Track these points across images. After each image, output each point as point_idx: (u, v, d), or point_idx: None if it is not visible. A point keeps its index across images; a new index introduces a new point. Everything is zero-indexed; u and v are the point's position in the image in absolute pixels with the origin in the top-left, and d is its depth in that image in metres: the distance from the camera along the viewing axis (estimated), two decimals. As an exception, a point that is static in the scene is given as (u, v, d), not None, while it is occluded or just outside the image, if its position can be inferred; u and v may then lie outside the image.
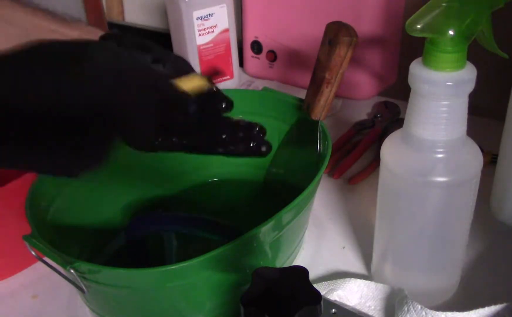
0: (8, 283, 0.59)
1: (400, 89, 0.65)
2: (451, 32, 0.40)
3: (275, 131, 0.64)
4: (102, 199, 0.60)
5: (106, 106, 0.37)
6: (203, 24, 0.86)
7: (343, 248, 0.60)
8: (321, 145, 0.58)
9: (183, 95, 0.44)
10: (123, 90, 0.38)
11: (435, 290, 0.51)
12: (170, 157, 0.61)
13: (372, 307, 0.50)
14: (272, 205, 0.49)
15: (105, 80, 0.37)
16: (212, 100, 0.49)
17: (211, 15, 0.86)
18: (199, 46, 0.87)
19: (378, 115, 0.81)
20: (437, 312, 0.47)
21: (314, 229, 0.62)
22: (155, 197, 0.66)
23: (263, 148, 0.44)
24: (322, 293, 0.46)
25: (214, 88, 0.49)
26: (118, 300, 0.47)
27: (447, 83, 0.41)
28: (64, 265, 0.43)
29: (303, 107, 0.59)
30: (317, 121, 0.57)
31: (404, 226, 0.48)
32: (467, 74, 0.42)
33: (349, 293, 0.50)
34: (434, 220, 0.47)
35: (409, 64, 0.44)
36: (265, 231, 0.45)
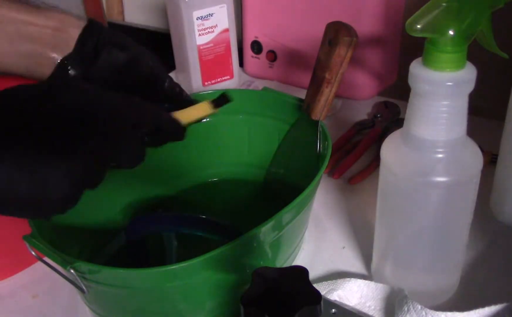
0: (8, 283, 0.59)
1: (400, 89, 0.65)
2: (451, 32, 0.40)
3: (275, 131, 0.64)
4: (102, 199, 0.60)
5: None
6: (203, 24, 0.86)
7: (343, 248, 0.60)
8: (321, 145, 0.58)
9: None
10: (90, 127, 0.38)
11: (435, 290, 0.51)
12: (170, 158, 0.61)
13: (372, 307, 0.50)
14: (272, 205, 0.49)
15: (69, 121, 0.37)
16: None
17: (211, 15, 0.86)
18: (199, 46, 0.87)
19: (378, 115, 0.81)
20: (437, 312, 0.47)
21: (314, 229, 0.62)
22: (155, 197, 0.66)
23: None
24: (322, 293, 0.46)
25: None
26: (118, 300, 0.47)
27: (447, 83, 0.41)
28: (64, 265, 0.43)
29: (303, 107, 0.59)
30: (317, 121, 0.57)
31: (404, 226, 0.48)
32: (467, 74, 0.42)
33: (349, 293, 0.50)
34: (434, 220, 0.47)
35: (409, 64, 0.44)
36: (265, 231, 0.45)
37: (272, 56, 0.93)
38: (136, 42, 0.50)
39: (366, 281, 0.51)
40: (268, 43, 0.93)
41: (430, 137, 0.44)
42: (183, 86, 0.98)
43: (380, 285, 0.51)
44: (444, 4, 0.40)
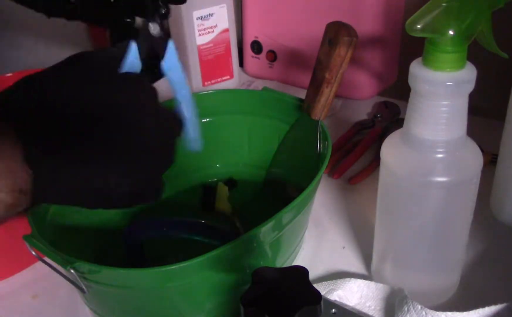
0: (8, 283, 0.59)
1: (400, 89, 0.65)
2: (451, 32, 0.40)
3: (275, 131, 0.64)
4: (102, 199, 0.60)
5: None
6: (203, 24, 0.86)
7: (343, 248, 0.60)
8: (321, 145, 0.58)
9: None
10: None
11: (435, 290, 0.51)
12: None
13: (372, 307, 0.50)
14: (272, 205, 0.49)
15: None
16: None
17: (211, 15, 0.86)
18: (199, 46, 0.87)
19: (378, 115, 0.81)
20: (437, 312, 0.47)
21: (314, 229, 0.62)
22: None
23: None
24: (322, 293, 0.46)
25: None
26: (118, 300, 0.47)
27: (447, 83, 0.41)
28: (64, 265, 0.42)
29: (303, 107, 0.59)
30: (317, 121, 0.57)
31: (404, 226, 0.48)
32: (467, 74, 0.42)
33: (349, 293, 0.50)
34: (434, 220, 0.47)
35: (409, 64, 0.44)
36: (265, 231, 0.45)
37: (272, 56, 0.93)
38: None
39: (366, 281, 0.51)
40: (268, 43, 0.93)
41: (430, 137, 0.44)
42: (183, 86, 0.98)
43: (380, 285, 0.51)
44: (444, 4, 0.40)
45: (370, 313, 0.50)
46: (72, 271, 0.42)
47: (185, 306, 0.48)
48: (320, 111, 0.57)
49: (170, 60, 0.49)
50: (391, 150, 0.47)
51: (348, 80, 0.84)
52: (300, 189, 0.48)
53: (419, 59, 0.43)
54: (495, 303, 0.47)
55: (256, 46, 0.94)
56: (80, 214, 0.57)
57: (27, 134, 0.36)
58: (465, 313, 0.47)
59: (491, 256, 0.57)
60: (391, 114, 0.81)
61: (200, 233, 0.52)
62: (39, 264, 0.45)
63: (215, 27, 0.87)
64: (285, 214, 0.47)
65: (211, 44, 0.88)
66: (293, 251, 0.55)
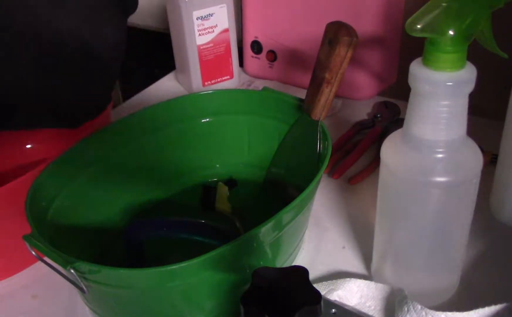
0: (8, 283, 0.59)
1: (400, 89, 0.65)
2: (451, 32, 0.40)
3: (275, 131, 0.64)
4: (102, 199, 0.60)
5: None
6: (203, 24, 0.86)
7: (343, 248, 0.60)
8: (321, 145, 0.58)
9: None
10: None
11: (435, 290, 0.51)
12: (170, 158, 0.61)
13: (372, 307, 0.50)
14: (272, 205, 0.49)
15: None
16: None
17: (211, 15, 0.86)
18: (199, 46, 0.87)
19: (378, 115, 0.81)
20: (437, 312, 0.47)
21: (314, 229, 0.62)
22: (155, 197, 0.66)
23: None
24: (322, 293, 0.46)
25: None
26: (118, 300, 0.47)
27: (447, 83, 0.41)
28: (64, 265, 0.43)
29: (303, 107, 0.59)
30: (317, 121, 0.57)
31: (404, 226, 0.49)
32: (467, 74, 0.42)
33: (349, 293, 0.50)
34: (434, 220, 0.47)
35: (409, 64, 0.44)
36: (265, 231, 0.45)
37: (272, 56, 0.93)
38: None
39: (366, 281, 0.51)
40: (268, 43, 0.93)
41: (430, 137, 0.44)
42: (183, 86, 0.99)
43: (380, 285, 0.51)
44: (444, 4, 0.40)
45: (370, 313, 0.50)
46: (72, 271, 0.42)
47: (185, 306, 0.48)
48: (320, 111, 0.57)
49: None
50: (391, 150, 0.47)
51: (348, 80, 0.84)
52: (300, 189, 0.48)
53: (419, 59, 0.43)
54: (495, 303, 0.47)
55: (256, 46, 0.94)
56: (80, 214, 0.57)
57: None
58: (465, 313, 0.47)
59: (491, 256, 0.57)
60: (391, 114, 0.81)
61: (200, 233, 0.52)
62: (39, 264, 0.45)
63: (215, 27, 0.87)
64: (285, 214, 0.47)
65: (211, 44, 0.88)
66: (293, 251, 0.55)
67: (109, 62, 0.44)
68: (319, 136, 0.58)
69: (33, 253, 0.45)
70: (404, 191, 0.46)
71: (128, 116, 0.63)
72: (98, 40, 0.41)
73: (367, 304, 0.51)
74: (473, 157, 0.45)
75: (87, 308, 0.52)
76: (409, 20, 0.41)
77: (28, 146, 0.74)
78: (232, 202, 0.66)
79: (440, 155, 0.44)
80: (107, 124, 0.62)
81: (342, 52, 0.53)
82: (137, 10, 1.11)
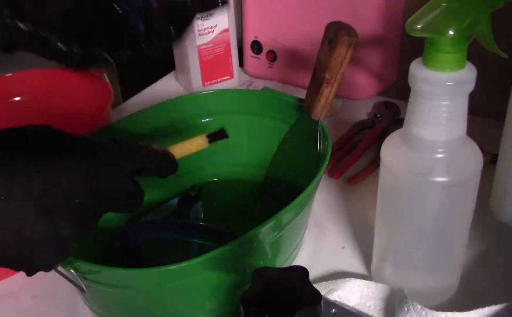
0: (8, 283, 0.59)
1: (400, 89, 0.65)
2: (451, 32, 0.40)
3: (275, 131, 0.64)
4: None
5: None
6: (203, 24, 0.86)
7: (343, 248, 0.60)
8: (321, 145, 0.58)
9: None
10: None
11: (435, 290, 0.51)
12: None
13: (372, 307, 0.50)
14: (272, 205, 0.49)
15: None
16: None
17: (211, 15, 0.86)
18: (199, 46, 0.87)
19: (378, 115, 0.81)
20: (437, 312, 0.47)
21: (314, 229, 0.62)
22: (154, 198, 0.66)
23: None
24: (322, 293, 0.46)
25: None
26: (118, 300, 0.47)
27: (447, 83, 0.41)
28: (64, 265, 0.43)
29: (303, 107, 0.59)
30: (317, 121, 0.57)
31: (404, 226, 0.48)
32: (467, 74, 0.42)
33: (349, 293, 0.50)
34: (434, 220, 0.47)
35: (409, 64, 0.44)
36: (265, 231, 0.45)
37: (272, 56, 0.93)
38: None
39: (366, 281, 0.51)
40: (268, 43, 0.93)
41: (430, 137, 0.44)
42: (183, 86, 0.99)
43: (380, 285, 0.51)
44: (444, 4, 0.40)
45: (370, 313, 0.50)
46: (72, 271, 0.42)
47: (185, 306, 0.48)
48: (320, 111, 0.57)
49: None
50: (391, 150, 0.47)
51: (348, 80, 0.84)
52: (300, 189, 0.48)
53: (419, 59, 0.43)
54: (495, 303, 0.47)
55: (256, 46, 0.94)
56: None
57: None
58: (465, 313, 0.47)
59: (491, 256, 0.57)
60: (391, 114, 0.81)
61: (197, 235, 0.52)
62: (39, 264, 0.45)
63: (215, 27, 0.87)
64: (285, 214, 0.47)
65: (211, 44, 0.88)
66: (293, 251, 0.55)
67: None
68: (319, 136, 0.58)
69: (33, 253, 0.45)
70: (404, 191, 0.46)
71: (128, 116, 0.63)
72: None
73: (367, 304, 0.51)
74: (473, 157, 0.45)
75: (87, 308, 0.52)
76: (409, 20, 0.41)
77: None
78: (232, 202, 0.66)
79: (440, 155, 0.44)
80: (107, 124, 0.62)
81: (342, 52, 0.53)
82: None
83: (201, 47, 0.87)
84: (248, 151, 0.67)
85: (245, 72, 0.98)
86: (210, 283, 0.46)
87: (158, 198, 0.66)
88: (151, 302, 0.46)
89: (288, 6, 0.87)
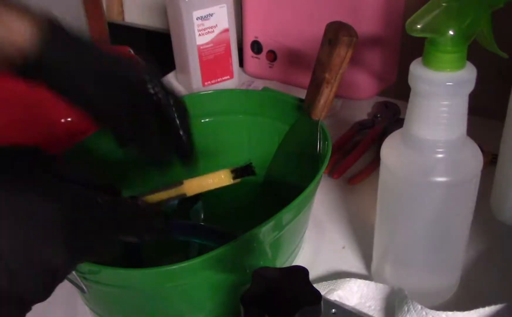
0: (8, 283, 0.59)
1: (400, 89, 0.65)
2: (451, 32, 0.40)
3: (275, 131, 0.64)
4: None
5: None
6: (203, 24, 0.86)
7: (343, 248, 0.60)
8: (321, 145, 0.58)
9: None
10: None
11: (435, 290, 0.51)
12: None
13: (372, 307, 0.50)
14: (272, 205, 0.49)
15: None
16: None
17: (211, 15, 0.86)
18: (199, 46, 0.87)
19: (378, 115, 0.81)
20: (437, 312, 0.47)
21: (314, 229, 0.62)
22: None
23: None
24: (322, 293, 0.46)
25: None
26: (118, 300, 0.47)
27: (447, 83, 0.41)
28: (64, 265, 0.42)
29: (303, 107, 0.59)
30: (317, 121, 0.57)
31: (404, 226, 0.48)
32: (467, 74, 0.42)
33: (349, 293, 0.50)
34: (434, 220, 0.47)
35: (409, 64, 0.44)
36: (265, 231, 0.45)
37: (272, 56, 0.93)
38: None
39: (366, 281, 0.51)
40: (268, 43, 0.93)
41: (430, 137, 0.44)
42: (183, 86, 0.99)
43: (380, 285, 0.51)
44: (444, 4, 0.40)
45: (370, 313, 0.50)
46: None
47: (185, 306, 0.48)
48: (320, 111, 0.57)
49: None
50: (391, 150, 0.47)
51: (348, 80, 0.83)
52: (300, 189, 0.48)
53: (419, 59, 0.43)
54: (495, 303, 0.47)
55: (256, 46, 0.94)
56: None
57: None
58: (465, 313, 0.47)
59: (491, 256, 0.57)
60: (391, 114, 0.81)
61: (197, 235, 0.52)
62: (39, 264, 0.45)
63: (215, 27, 0.87)
64: (285, 214, 0.47)
65: (211, 44, 0.88)
66: (293, 251, 0.55)
67: None
68: (319, 136, 0.58)
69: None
70: (404, 190, 0.46)
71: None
72: None
73: (367, 304, 0.51)
74: (473, 157, 0.45)
75: (87, 308, 0.52)
76: (409, 20, 0.41)
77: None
78: (232, 202, 0.66)
79: (440, 155, 0.44)
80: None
81: (342, 52, 0.53)
82: (137, 10, 1.11)
83: (201, 47, 0.87)
84: (248, 151, 0.67)
85: (245, 72, 0.98)
86: (210, 283, 0.46)
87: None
88: (151, 302, 0.46)
89: (288, 6, 0.87)
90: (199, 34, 0.86)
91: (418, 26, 0.40)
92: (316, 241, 0.61)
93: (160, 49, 1.02)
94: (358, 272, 0.56)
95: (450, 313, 0.47)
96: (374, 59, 0.85)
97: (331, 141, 0.55)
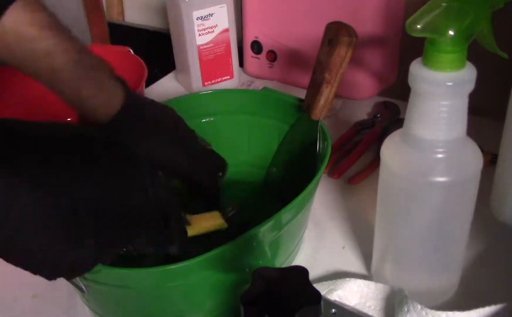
0: (8, 283, 0.59)
1: (400, 89, 0.65)
2: (451, 32, 0.40)
3: (275, 131, 0.64)
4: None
5: None
6: (203, 24, 0.86)
7: (343, 248, 0.60)
8: (321, 145, 0.58)
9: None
10: None
11: (435, 290, 0.51)
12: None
13: (372, 307, 0.50)
14: (272, 205, 0.49)
15: None
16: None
17: (211, 15, 0.86)
18: (199, 46, 0.87)
19: (378, 115, 0.81)
20: (437, 312, 0.47)
21: (314, 229, 0.62)
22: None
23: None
24: (322, 293, 0.46)
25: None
26: (118, 300, 0.47)
27: (447, 83, 0.41)
28: (64, 265, 0.42)
29: (303, 107, 0.59)
30: (317, 121, 0.57)
31: (404, 226, 0.48)
32: (467, 74, 0.42)
33: (349, 293, 0.50)
34: (434, 220, 0.47)
35: (409, 64, 0.44)
36: (265, 231, 0.45)
37: (272, 56, 0.93)
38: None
39: (366, 281, 0.51)
40: (268, 43, 0.93)
41: (430, 137, 0.44)
42: (183, 86, 0.99)
43: (380, 285, 0.51)
44: (444, 4, 0.40)
45: (370, 313, 0.50)
46: (72, 271, 0.42)
47: (185, 306, 0.48)
48: (320, 111, 0.57)
49: None
50: (391, 150, 0.47)
51: (348, 80, 0.83)
52: (300, 189, 0.48)
53: (419, 59, 0.43)
54: (495, 303, 0.47)
55: (256, 46, 0.94)
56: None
57: None
58: (465, 313, 0.47)
59: (491, 256, 0.57)
60: (391, 114, 0.81)
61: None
62: (39, 264, 0.45)
63: (215, 27, 0.87)
64: (285, 214, 0.47)
65: (211, 44, 0.88)
66: (292, 251, 0.55)
67: None
68: (319, 136, 0.58)
69: (33, 253, 0.45)
70: (404, 190, 0.46)
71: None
72: None
73: (367, 304, 0.51)
74: (473, 157, 0.45)
75: (87, 308, 0.52)
76: (409, 20, 0.41)
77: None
78: (232, 202, 0.66)
79: (440, 155, 0.44)
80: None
81: (342, 52, 0.53)
82: (137, 10, 1.11)
83: (201, 47, 0.87)
84: (248, 151, 0.67)
85: (245, 72, 0.98)
86: (210, 283, 0.46)
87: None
88: (151, 302, 0.46)
89: (288, 6, 0.87)
90: (199, 34, 0.86)
91: (418, 26, 0.40)
92: (316, 241, 0.61)
93: (160, 49, 1.02)
94: (358, 272, 0.56)
95: (450, 313, 0.47)
96: (374, 59, 0.85)
97: (331, 141, 0.55)
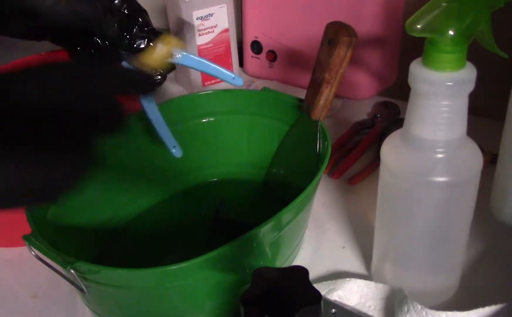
0: (8, 283, 0.59)
1: (400, 89, 0.65)
2: (451, 32, 0.40)
3: (275, 131, 0.64)
4: (102, 199, 0.60)
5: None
6: (203, 24, 0.86)
7: (343, 248, 0.60)
8: (321, 145, 0.58)
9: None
10: None
11: (435, 290, 0.51)
12: (170, 157, 0.61)
13: (372, 307, 0.50)
14: (272, 205, 0.49)
15: None
16: None
17: (211, 15, 0.86)
18: (199, 46, 0.87)
19: (378, 115, 0.81)
20: (437, 312, 0.47)
21: (314, 229, 0.62)
22: (155, 197, 0.66)
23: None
24: (322, 293, 0.46)
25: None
26: (118, 300, 0.47)
27: (447, 83, 0.41)
28: (64, 265, 0.42)
29: (303, 107, 0.59)
30: (317, 121, 0.57)
31: (404, 226, 0.48)
32: (467, 74, 0.42)
33: (349, 293, 0.50)
34: (434, 220, 0.47)
35: (409, 64, 0.43)
36: (265, 231, 0.45)
37: (272, 56, 0.93)
38: None
39: (366, 281, 0.51)
40: (268, 43, 0.93)
41: (430, 137, 0.44)
42: (183, 86, 0.98)
43: (380, 285, 0.51)
44: (444, 4, 0.40)
45: (370, 313, 0.50)
46: (72, 271, 0.42)
47: (185, 306, 0.48)
48: (320, 111, 0.57)
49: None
50: (391, 150, 0.47)
51: (348, 80, 0.84)
52: (300, 189, 0.48)
53: (419, 59, 0.43)
54: (495, 303, 0.47)
55: (256, 46, 0.94)
56: (80, 213, 0.57)
57: None
58: (465, 313, 0.47)
59: (491, 256, 0.57)
60: (391, 114, 0.81)
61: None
62: (39, 264, 0.45)
63: (215, 27, 0.87)
64: (285, 214, 0.47)
65: (211, 44, 0.88)
66: (293, 251, 0.55)
67: None
68: (319, 136, 0.58)
69: (33, 253, 0.45)
70: (404, 190, 0.46)
71: (128, 116, 0.62)
72: None
73: (367, 304, 0.51)
74: (473, 157, 0.45)
75: (87, 308, 0.52)
76: (409, 20, 0.41)
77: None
78: (232, 202, 0.66)
79: (440, 156, 0.44)
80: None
81: (342, 52, 0.53)
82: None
83: (201, 47, 0.87)
84: (247, 151, 0.67)
85: (245, 72, 0.98)
86: (210, 283, 0.46)
87: (159, 197, 0.66)
88: (151, 302, 0.46)
89: (288, 6, 0.87)
90: (199, 34, 0.86)
91: (418, 26, 0.40)
92: (316, 241, 0.61)
93: (160, 49, 1.02)
94: (358, 272, 0.56)
95: (450, 313, 0.47)
96: (374, 59, 0.85)
97: (331, 141, 0.55)
